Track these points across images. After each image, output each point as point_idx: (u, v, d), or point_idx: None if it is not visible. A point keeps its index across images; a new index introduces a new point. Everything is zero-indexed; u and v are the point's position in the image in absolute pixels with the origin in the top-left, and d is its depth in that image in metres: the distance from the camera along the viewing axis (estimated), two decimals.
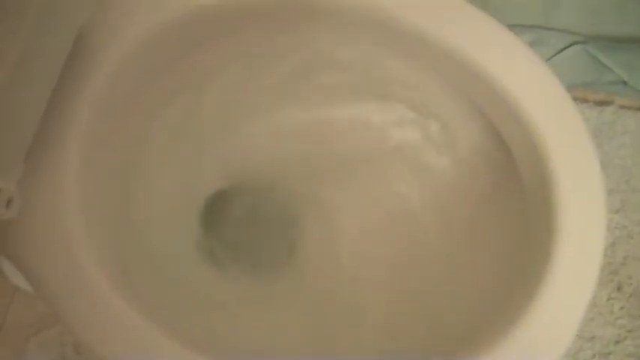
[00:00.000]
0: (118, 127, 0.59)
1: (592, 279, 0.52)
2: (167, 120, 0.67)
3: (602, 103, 1.01)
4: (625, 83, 0.99)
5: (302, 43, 0.67)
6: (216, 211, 0.75)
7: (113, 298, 0.49)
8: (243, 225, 0.76)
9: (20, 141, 0.51)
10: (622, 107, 1.00)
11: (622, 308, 0.89)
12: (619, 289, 0.90)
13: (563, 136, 0.57)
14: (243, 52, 0.67)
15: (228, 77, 0.69)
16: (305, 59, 0.68)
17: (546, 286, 0.52)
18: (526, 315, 0.51)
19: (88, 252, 0.50)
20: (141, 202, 0.64)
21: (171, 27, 0.59)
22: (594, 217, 0.54)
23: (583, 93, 1.00)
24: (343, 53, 0.67)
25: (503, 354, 0.50)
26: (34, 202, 0.51)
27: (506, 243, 0.61)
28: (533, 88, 0.59)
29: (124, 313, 0.49)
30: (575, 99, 0.59)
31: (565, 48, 0.99)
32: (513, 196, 0.61)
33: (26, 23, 0.47)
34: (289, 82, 0.70)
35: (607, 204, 0.55)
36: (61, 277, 0.50)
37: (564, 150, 0.57)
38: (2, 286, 0.84)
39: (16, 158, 0.51)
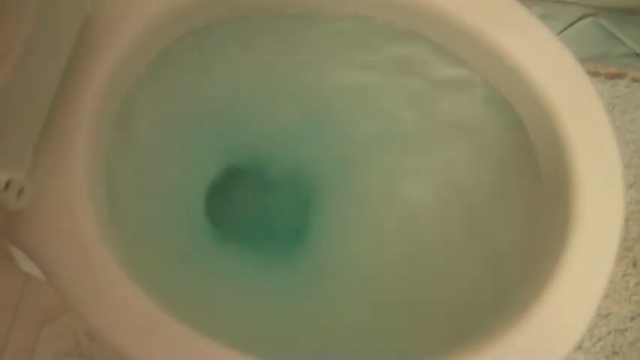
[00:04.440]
0: (124, 114, 0.58)
1: (611, 256, 0.52)
2: (174, 101, 0.67)
3: (614, 77, 0.99)
4: (637, 56, 0.98)
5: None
6: (225, 189, 0.74)
7: (123, 283, 0.49)
8: (253, 204, 0.76)
9: (29, 132, 0.51)
10: (635, 80, 0.99)
11: (637, 284, 0.89)
12: (634, 264, 0.90)
13: (579, 111, 0.57)
14: (247, 31, 0.66)
15: (230, 54, 0.68)
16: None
17: (565, 265, 0.51)
18: (545, 293, 0.50)
19: (97, 239, 0.50)
20: (148, 184, 0.64)
21: (176, 12, 0.58)
22: (612, 193, 0.54)
23: (594, 67, 0.99)
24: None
25: (521, 333, 0.49)
26: (44, 191, 0.51)
27: (523, 222, 0.60)
28: (547, 63, 0.58)
29: (134, 299, 0.49)
30: (586, 73, 0.58)
31: (575, 21, 0.98)
32: (528, 172, 0.60)
33: (30, 13, 0.47)
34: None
35: (624, 179, 0.54)
36: (71, 264, 0.50)
37: (580, 125, 0.56)
38: (15, 275, 0.84)
39: (25, 149, 0.51)
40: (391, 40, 0.66)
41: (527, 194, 0.61)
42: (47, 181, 0.51)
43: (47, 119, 0.52)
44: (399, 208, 0.71)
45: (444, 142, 0.69)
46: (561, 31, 0.97)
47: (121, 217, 0.55)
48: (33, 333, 0.83)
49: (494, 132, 0.65)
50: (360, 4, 0.64)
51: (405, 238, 0.69)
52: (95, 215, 0.51)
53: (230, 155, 0.75)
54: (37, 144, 0.51)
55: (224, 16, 0.63)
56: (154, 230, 0.62)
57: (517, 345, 0.49)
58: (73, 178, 0.51)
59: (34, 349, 0.82)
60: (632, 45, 0.98)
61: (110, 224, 0.53)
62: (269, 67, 0.70)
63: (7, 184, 0.48)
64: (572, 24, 0.97)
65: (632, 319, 0.87)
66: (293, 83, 0.71)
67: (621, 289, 0.88)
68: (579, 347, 0.85)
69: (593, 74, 0.99)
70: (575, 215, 0.53)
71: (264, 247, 0.74)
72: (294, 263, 0.71)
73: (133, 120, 0.61)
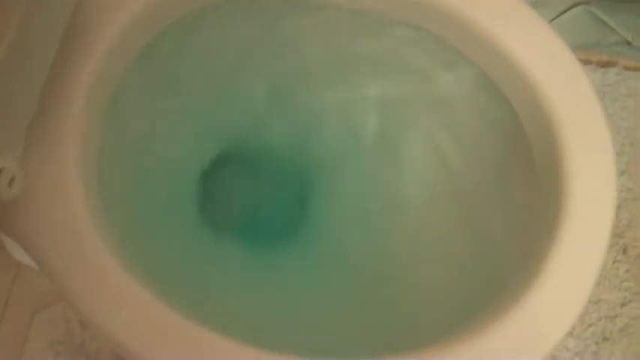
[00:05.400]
0: (117, 100, 0.58)
1: (603, 244, 0.52)
2: (167, 87, 0.66)
3: (605, 65, 1.00)
4: (629, 44, 0.98)
5: None
6: (220, 177, 0.74)
7: (116, 272, 0.49)
8: (248, 193, 0.76)
9: (20, 119, 0.50)
10: (626, 68, 0.99)
11: (627, 271, 0.90)
12: (624, 251, 0.90)
13: (571, 99, 0.57)
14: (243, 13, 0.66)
15: (223, 38, 0.68)
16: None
17: (557, 252, 0.51)
18: (537, 281, 0.50)
19: (90, 228, 0.50)
20: (142, 171, 0.64)
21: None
22: (604, 181, 0.54)
23: (586, 54, 1.00)
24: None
25: (513, 321, 0.50)
26: (36, 180, 0.51)
27: (517, 209, 0.61)
28: (539, 50, 0.59)
29: (128, 287, 0.49)
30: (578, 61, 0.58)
31: (567, 9, 0.98)
32: (522, 160, 0.60)
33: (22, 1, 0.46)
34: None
35: (616, 166, 0.55)
36: (64, 253, 0.49)
37: (572, 113, 0.56)
38: (6, 264, 0.84)
39: (16, 137, 0.50)
40: (383, 26, 0.66)
41: (521, 182, 0.61)
42: (39, 170, 0.51)
43: (38, 106, 0.51)
44: (396, 198, 0.71)
45: (437, 131, 0.69)
46: (553, 19, 0.97)
47: (114, 205, 0.55)
48: (25, 321, 0.83)
49: (487, 121, 0.66)
50: None
51: (400, 228, 0.69)
52: (88, 203, 0.51)
53: (225, 143, 0.75)
54: (28, 132, 0.51)
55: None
56: (148, 218, 0.62)
57: (509, 332, 0.49)
58: (65, 166, 0.51)
59: (27, 337, 0.82)
60: (624, 33, 0.98)
61: (103, 212, 0.52)
62: (265, 53, 0.70)
63: None
64: (563, 12, 0.97)
65: (623, 305, 0.88)
66: (289, 68, 0.71)
67: (611, 276, 0.89)
68: (570, 333, 0.85)
69: (585, 62, 0.99)
70: (567, 202, 0.53)
71: (259, 237, 0.74)
72: (290, 254, 0.71)
73: (125, 107, 0.61)
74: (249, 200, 0.77)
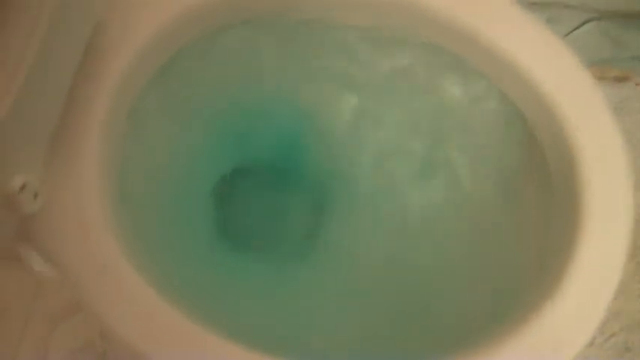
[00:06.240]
0: (135, 115, 0.59)
1: (620, 258, 0.52)
2: (184, 102, 0.67)
3: (620, 80, 1.00)
4: None
5: None
6: (233, 187, 0.75)
7: (135, 281, 0.50)
8: (262, 204, 0.76)
9: (42, 135, 0.51)
10: (639, 84, 0.99)
11: None
12: None
13: (586, 115, 0.57)
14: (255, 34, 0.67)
15: (239, 57, 0.69)
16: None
17: (574, 266, 0.51)
18: (554, 297, 0.51)
19: (109, 237, 0.51)
20: (159, 183, 0.65)
21: (182, 20, 0.60)
22: (620, 196, 0.54)
23: (600, 70, 1.00)
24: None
25: (532, 333, 0.50)
26: (57, 193, 0.52)
27: (534, 223, 0.61)
28: (553, 67, 0.59)
29: (146, 297, 0.50)
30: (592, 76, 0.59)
31: (580, 25, 0.98)
32: (538, 176, 0.60)
33: (42, 21, 0.47)
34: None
35: (633, 182, 0.55)
36: (84, 264, 0.50)
37: (587, 129, 0.56)
38: (27, 277, 0.85)
39: (39, 152, 0.51)
40: (399, 44, 0.67)
41: (537, 197, 0.61)
42: (60, 182, 0.52)
43: (59, 121, 0.53)
44: (409, 212, 0.71)
45: (451, 147, 0.69)
46: (565, 35, 0.98)
47: (133, 217, 0.56)
48: (45, 334, 0.83)
49: (505, 138, 0.66)
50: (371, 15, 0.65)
51: (415, 242, 0.69)
52: (108, 215, 0.52)
53: (239, 156, 0.75)
54: (49, 146, 0.52)
55: (233, 19, 0.64)
56: (166, 229, 0.63)
57: (527, 346, 0.49)
58: (85, 178, 0.52)
59: (47, 349, 0.83)
60: (636, 49, 0.98)
61: (123, 224, 0.53)
62: (277, 70, 0.71)
63: (22, 187, 0.49)
64: (576, 28, 0.98)
65: None
66: (302, 87, 0.72)
67: (629, 290, 0.88)
68: (591, 344, 0.84)
69: (599, 78, 0.99)
70: (584, 217, 0.53)
71: (273, 246, 0.74)
72: (306, 265, 0.71)
73: (143, 121, 0.62)
74: (265, 212, 0.77)
